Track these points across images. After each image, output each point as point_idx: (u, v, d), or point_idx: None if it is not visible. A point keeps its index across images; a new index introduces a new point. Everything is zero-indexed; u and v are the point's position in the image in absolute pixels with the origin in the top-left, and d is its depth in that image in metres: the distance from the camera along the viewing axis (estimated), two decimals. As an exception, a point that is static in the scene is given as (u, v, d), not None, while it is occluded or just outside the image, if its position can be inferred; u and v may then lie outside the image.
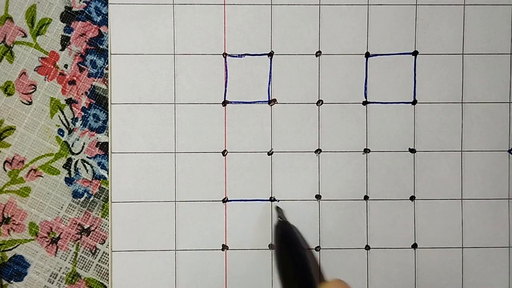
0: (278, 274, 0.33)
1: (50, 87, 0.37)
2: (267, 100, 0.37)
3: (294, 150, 0.37)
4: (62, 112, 0.37)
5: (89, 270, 0.37)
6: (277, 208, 0.37)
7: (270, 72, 0.37)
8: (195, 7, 0.37)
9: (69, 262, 0.37)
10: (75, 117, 0.37)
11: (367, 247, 0.37)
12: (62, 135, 0.37)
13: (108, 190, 0.37)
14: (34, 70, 0.37)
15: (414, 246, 0.38)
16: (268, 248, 0.37)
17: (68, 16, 0.37)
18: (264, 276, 0.37)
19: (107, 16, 0.37)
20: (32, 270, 0.37)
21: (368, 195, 0.37)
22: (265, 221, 0.37)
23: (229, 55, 0.37)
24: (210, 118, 0.37)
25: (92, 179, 0.37)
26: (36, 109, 0.37)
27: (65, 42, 0.37)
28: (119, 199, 0.37)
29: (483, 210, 0.38)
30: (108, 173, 0.37)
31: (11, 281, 0.37)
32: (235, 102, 0.37)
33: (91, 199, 0.37)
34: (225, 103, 0.37)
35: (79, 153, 0.37)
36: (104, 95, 0.37)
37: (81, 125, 0.37)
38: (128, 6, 0.36)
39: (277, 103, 0.37)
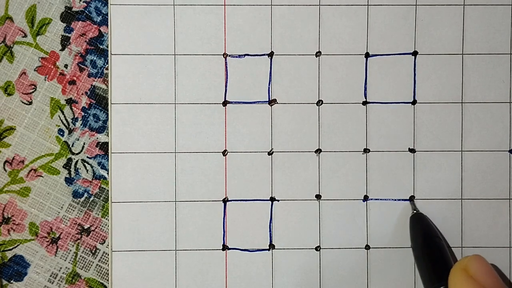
0: (418, 264, 0.35)
1: (50, 87, 0.37)
2: (267, 100, 0.37)
3: (294, 150, 0.37)
4: (62, 112, 0.37)
5: (89, 270, 0.37)
6: (411, 199, 0.37)
7: (270, 72, 0.37)
8: (196, 8, 0.37)
9: (69, 262, 0.37)
10: (75, 117, 0.37)
11: (367, 247, 0.37)
12: (62, 135, 0.37)
13: (108, 190, 0.37)
14: (34, 70, 0.37)
15: (414, 246, 0.38)
16: (268, 248, 0.37)
17: (68, 16, 0.37)
18: (264, 276, 0.37)
19: (107, 16, 0.37)
20: (32, 270, 0.37)
21: (368, 195, 0.37)
22: (266, 221, 0.37)
23: (229, 55, 0.37)
24: (210, 118, 0.37)
25: (92, 179, 0.37)
26: (36, 109, 0.37)
27: (65, 42, 0.37)
28: (119, 199, 0.37)
29: (483, 210, 0.38)
30: (108, 173, 0.37)
31: (11, 281, 0.37)
32: (235, 102, 0.37)
33: (91, 199, 0.37)
34: (225, 103, 0.37)
35: (79, 153, 0.37)
36: (104, 95, 0.37)
37: (81, 125, 0.37)
38: (128, 7, 0.36)
39: (277, 103, 0.37)
